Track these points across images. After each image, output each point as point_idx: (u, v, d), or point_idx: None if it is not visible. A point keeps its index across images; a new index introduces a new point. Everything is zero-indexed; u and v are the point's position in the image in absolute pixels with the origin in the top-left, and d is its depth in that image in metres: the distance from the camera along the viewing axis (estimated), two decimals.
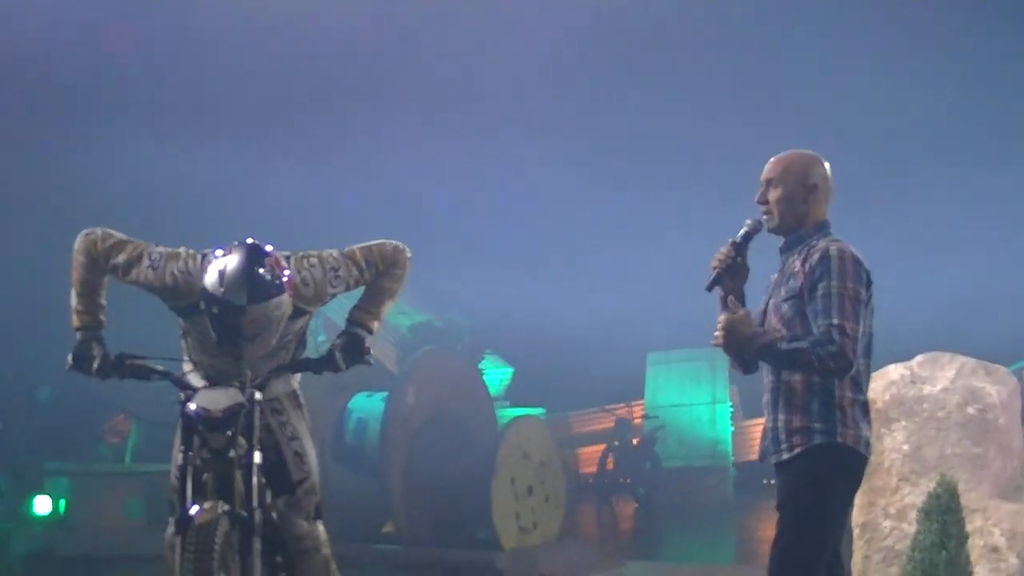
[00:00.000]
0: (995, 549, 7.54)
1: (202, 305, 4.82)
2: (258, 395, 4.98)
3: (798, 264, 4.59)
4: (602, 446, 19.41)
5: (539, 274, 19.84)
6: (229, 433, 4.84)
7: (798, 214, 4.67)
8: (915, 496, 7.47)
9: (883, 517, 7.81)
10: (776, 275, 4.75)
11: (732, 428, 19.46)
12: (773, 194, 4.69)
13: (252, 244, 4.86)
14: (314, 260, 5.19)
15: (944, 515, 6.78)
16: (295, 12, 16.09)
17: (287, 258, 5.06)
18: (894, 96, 18.16)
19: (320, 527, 5.39)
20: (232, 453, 4.84)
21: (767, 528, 15.25)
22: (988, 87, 18.89)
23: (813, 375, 4.49)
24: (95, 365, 5.05)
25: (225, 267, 4.73)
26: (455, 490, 11.02)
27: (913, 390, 7.95)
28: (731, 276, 4.70)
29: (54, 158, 15.53)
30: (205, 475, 4.83)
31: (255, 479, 4.89)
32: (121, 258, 5.11)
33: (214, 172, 16.18)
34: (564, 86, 18.88)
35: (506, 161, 19.21)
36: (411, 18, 17.13)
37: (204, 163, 16.22)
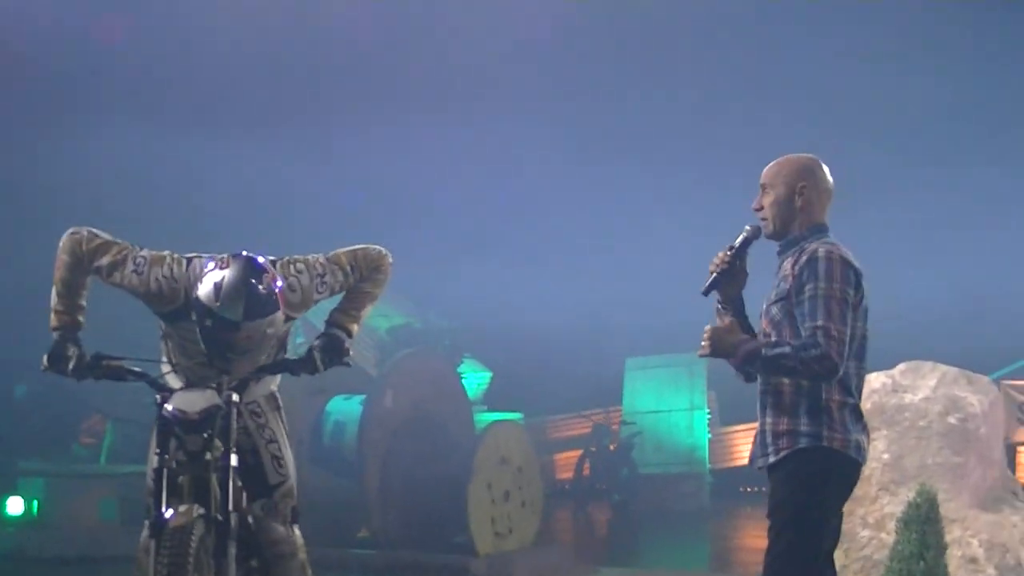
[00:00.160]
0: (973, 560, 7.53)
1: (194, 316, 4.76)
2: (235, 397, 4.92)
3: (789, 267, 4.58)
4: (579, 451, 19.40)
5: (518, 279, 19.79)
6: (206, 435, 4.78)
7: (789, 217, 4.66)
8: (894, 506, 7.46)
9: (862, 527, 7.79)
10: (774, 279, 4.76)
11: (710, 435, 19.42)
12: (767, 199, 4.70)
13: (248, 257, 4.80)
14: (301, 266, 5.14)
15: (923, 525, 6.75)
16: (295, 7, 16.05)
17: (274, 263, 5.02)
18: (894, 96, 18.17)
19: (297, 531, 5.37)
20: (208, 456, 4.78)
21: (743, 536, 15.31)
22: (988, 87, 18.94)
23: (800, 380, 4.47)
24: (71, 366, 4.98)
25: (222, 281, 4.68)
26: (432, 494, 11.00)
27: (895, 399, 7.96)
28: (728, 281, 4.71)
29: (42, 156, 15.42)
30: (181, 478, 4.77)
31: (231, 482, 4.84)
32: (106, 260, 5.04)
33: (212, 168, 16.16)
34: (561, 83, 18.85)
35: (497, 162, 19.18)
36: (411, 15, 17.12)
37: (202, 159, 16.19)
